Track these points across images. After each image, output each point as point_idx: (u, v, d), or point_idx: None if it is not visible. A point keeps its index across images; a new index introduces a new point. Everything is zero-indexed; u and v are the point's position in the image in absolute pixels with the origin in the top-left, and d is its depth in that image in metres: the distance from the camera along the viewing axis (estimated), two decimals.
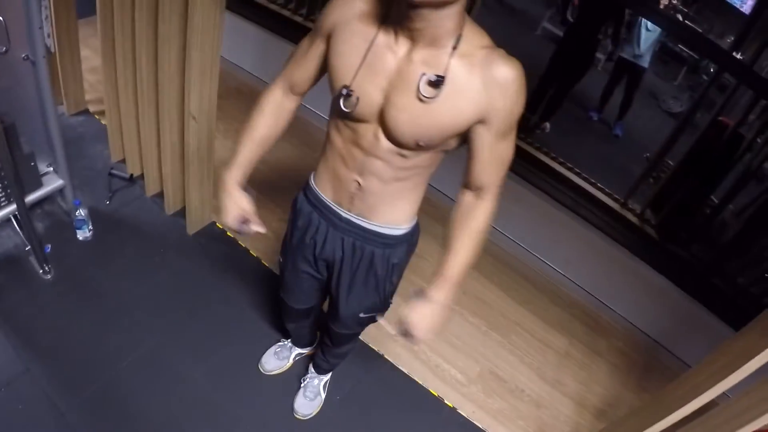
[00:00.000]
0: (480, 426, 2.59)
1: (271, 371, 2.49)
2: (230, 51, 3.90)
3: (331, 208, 1.57)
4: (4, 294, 2.47)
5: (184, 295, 2.69)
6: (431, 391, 2.65)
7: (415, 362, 2.74)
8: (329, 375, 2.45)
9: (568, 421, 2.77)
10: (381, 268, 1.63)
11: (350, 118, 1.35)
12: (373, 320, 1.84)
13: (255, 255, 2.99)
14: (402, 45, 1.24)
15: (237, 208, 1.58)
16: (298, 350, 2.53)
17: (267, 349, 2.54)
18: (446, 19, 1.16)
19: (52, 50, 2.95)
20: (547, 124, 4.81)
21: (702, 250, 3.57)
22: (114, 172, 3.06)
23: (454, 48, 1.20)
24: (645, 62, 4.89)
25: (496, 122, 1.26)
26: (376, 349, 2.72)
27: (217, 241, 3.00)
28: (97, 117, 3.43)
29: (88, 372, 2.31)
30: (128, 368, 2.36)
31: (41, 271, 2.56)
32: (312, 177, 1.63)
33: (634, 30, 4.79)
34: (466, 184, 1.44)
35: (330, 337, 2.11)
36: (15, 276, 2.55)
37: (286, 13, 3.93)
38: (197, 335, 2.55)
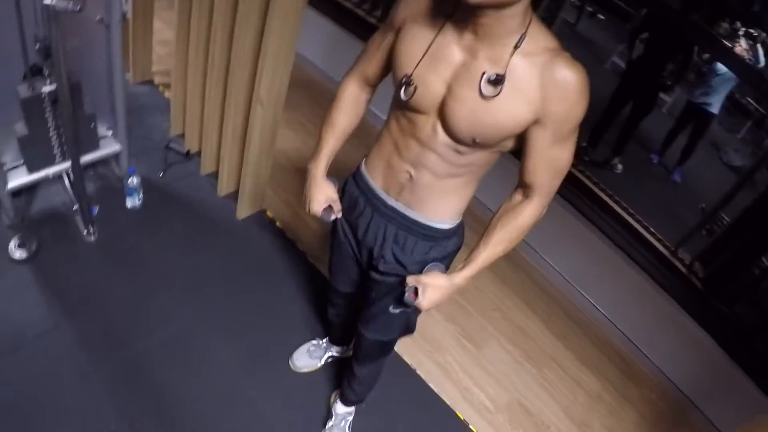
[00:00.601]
0: None
1: (302, 369, 2.44)
2: (302, 43, 3.86)
3: (377, 194, 1.56)
4: (45, 248, 2.46)
5: (224, 277, 2.66)
6: (458, 413, 2.57)
7: (446, 382, 2.67)
8: (352, 416, 2.32)
9: None
10: (422, 259, 1.59)
11: (409, 107, 1.35)
12: (399, 326, 1.85)
13: (301, 249, 2.95)
14: (467, 40, 1.23)
15: (323, 195, 1.66)
16: (331, 351, 2.48)
17: (300, 346, 2.49)
18: (509, 18, 1.15)
19: (128, 16, 2.95)
20: (619, 164, 4.71)
21: (747, 312, 3.46)
22: (171, 145, 3.05)
23: (516, 47, 1.18)
24: (714, 108, 4.76)
25: (552, 125, 1.24)
26: (409, 363, 2.65)
27: (265, 230, 2.96)
28: (161, 89, 3.44)
29: (117, 339, 2.29)
30: (158, 342, 2.33)
31: (85, 232, 2.56)
32: (363, 163, 1.64)
33: (706, 73, 4.67)
34: (519, 182, 1.42)
35: (357, 349, 2.02)
36: (58, 232, 2.55)
37: (360, 12, 3.92)
38: (232, 320, 2.51)
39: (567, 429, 2.76)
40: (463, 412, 2.59)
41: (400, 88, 1.32)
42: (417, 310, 1.66)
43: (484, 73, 1.20)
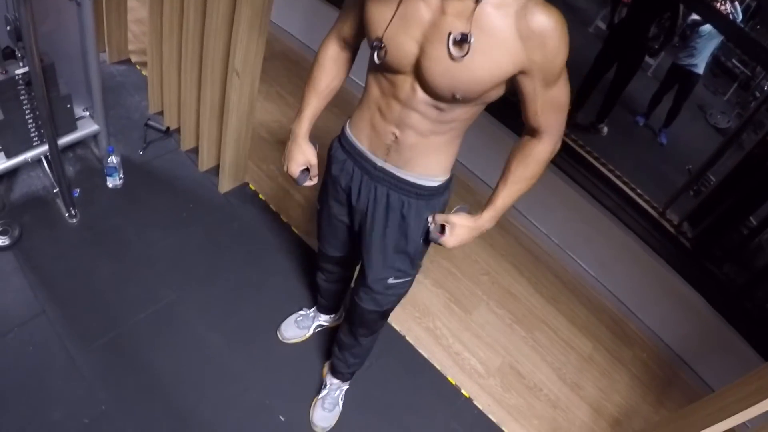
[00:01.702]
0: (494, 420, 2.50)
1: (290, 339, 2.42)
2: (278, 14, 3.81)
3: (366, 156, 1.53)
4: (26, 234, 2.42)
5: (208, 253, 2.62)
6: (449, 378, 2.56)
7: (436, 347, 2.65)
8: (347, 385, 2.31)
9: (582, 426, 2.67)
10: (414, 221, 1.58)
11: (384, 69, 1.33)
12: (398, 296, 1.81)
13: (286, 221, 2.91)
14: None
15: (303, 157, 1.66)
16: (319, 321, 2.46)
17: (288, 317, 2.47)
18: None
19: None
20: (605, 128, 4.69)
21: (735, 271, 3.46)
22: (150, 123, 3.00)
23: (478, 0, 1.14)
24: (699, 69, 4.72)
25: (539, 73, 1.22)
26: (398, 330, 2.63)
27: (249, 203, 2.92)
28: (138, 68, 3.37)
29: (103, 320, 2.26)
30: (144, 321, 2.30)
31: (67, 214, 2.51)
32: (347, 125, 1.60)
33: (689, 34, 4.64)
34: (526, 128, 1.40)
35: (352, 319, 1.98)
36: (40, 217, 2.50)
37: None
38: (218, 295, 2.48)
39: (559, 391, 2.75)
40: (454, 377, 2.57)
41: (373, 51, 1.30)
42: (420, 257, 1.70)
43: (450, 34, 1.17)
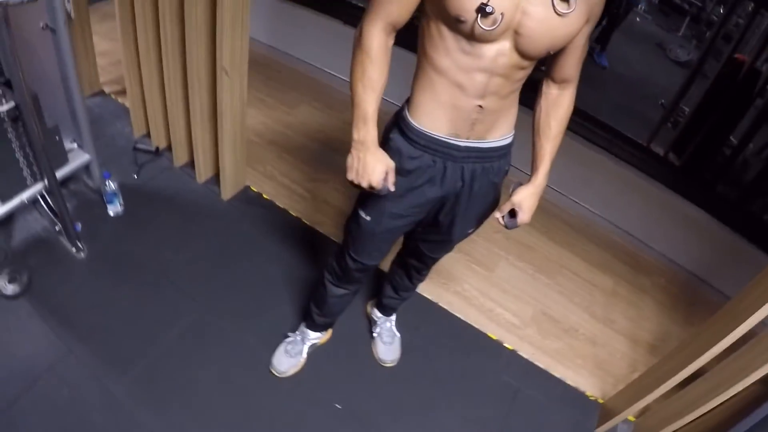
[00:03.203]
0: (541, 366, 2.46)
1: (286, 372, 2.19)
2: None
3: (447, 143, 1.41)
4: (36, 278, 2.27)
5: (226, 259, 2.51)
6: (489, 335, 2.50)
7: (469, 308, 2.59)
8: (395, 315, 2.33)
9: (624, 357, 2.64)
10: (498, 177, 1.56)
11: (480, 38, 1.20)
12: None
13: (295, 215, 2.81)
14: None
15: (381, 165, 1.40)
16: (309, 341, 2.24)
17: (275, 351, 2.24)
18: None
19: (72, 15, 2.75)
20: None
21: (726, 190, 3.47)
22: (139, 146, 2.87)
23: None
24: None
25: (593, 19, 1.27)
26: (430, 298, 2.57)
27: (255, 204, 2.82)
28: (113, 97, 3.24)
29: (134, 347, 2.14)
30: (176, 339, 2.18)
31: (74, 250, 2.38)
32: (408, 115, 1.44)
33: None
34: (553, 78, 1.43)
35: (417, 268, 1.99)
36: (47, 258, 2.36)
37: None
38: (245, 299, 2.38)
39: (594, 328, 2.72)
40: (494, 332, 2.52)
41: (476, 19, 1.16)
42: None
43: None
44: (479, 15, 1.14)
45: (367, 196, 1.57)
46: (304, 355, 2.23)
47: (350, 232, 1.71)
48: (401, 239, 1.89)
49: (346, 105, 3.49)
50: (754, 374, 1.77)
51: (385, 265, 2.17)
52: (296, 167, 3.09)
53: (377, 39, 1.31)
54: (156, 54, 2.52)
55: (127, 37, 2.59)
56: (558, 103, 1.44)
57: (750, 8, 3.49)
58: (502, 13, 1.14)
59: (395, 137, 1.47)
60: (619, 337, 2.73)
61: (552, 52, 1.26)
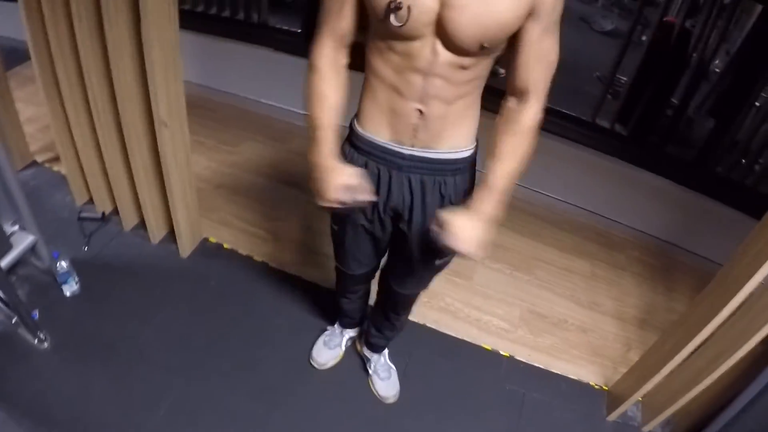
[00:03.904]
0: (541, 366, 2.40)
1: (325, 363, 2.23)
2: None
3: (390, 149, 1.33)
4: (2, 378, 2.07)
5: (199, 322, 2.35)
6: (483, 346, 2.42)
7: (457, 323, 2.50)
8: (386, 351, 2.23)
9: (616, 338, 2.62)
10: (454, 199, 1.41)
11: (403, 36, 1.15)
12: (442, 270, 1.63)
13: (259, 260, 2.65)
14: None
15: (339, 176, 1.31)
16: (348, 334, 2.27)
17: (314, 343, 2.27)
18: None
19: None
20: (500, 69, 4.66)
21: (677, 151, 3.48)
22: (84, 215, 2.68)
23: None
24: None
25: (544, 14, 1.14)
26: (416, 321, 2.46)
27: (216, 257, 2.65)
28: (47, 166, 3.01)
29: None
30: (164, 420, 2.01)
31: (36, 341, 2.19)
32: (355, 123, 1.39)
33: None
34: (511, 90, 1.28)
35: (391, 305, 1.90)
36: (9, 355, 2.14)
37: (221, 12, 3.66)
38: (229, 359, 2.22)
39: (582, 315, 2.69)
40: (486, 342, 2.45)
41: (388, 17, 1.12)
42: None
43: None
44: (391, 11, 1.11)
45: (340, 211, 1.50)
46: (343, 347, 2.27)
47: (332, 242, 1.71)
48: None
49: (289, 135, 3.41)
50: (755, 336, 1.75)
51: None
52: (251, 208, 2.93)
53: (325, 55, 1.30)
54: (86, 115, 2.35)
55: (52, 100, 2.40)
56: (512, 119, 1.27)
57: None
58: (408, 7, 1.09)
59: (345, 146, 1.43)
60: (607, 318, 2.70)
61: (488, 45, 1.14)
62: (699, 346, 1.96)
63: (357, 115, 1.39)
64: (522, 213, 3.24)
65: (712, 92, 4.34)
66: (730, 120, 3.15)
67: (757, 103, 3.14)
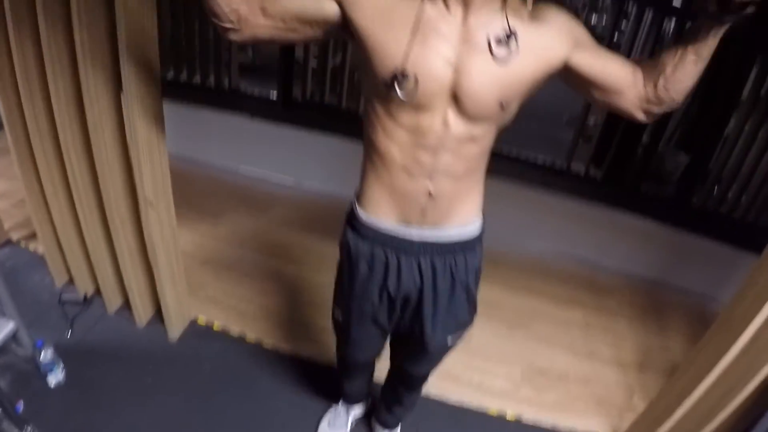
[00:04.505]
0: (548, 425, 2.32)
1: None
2: None
3: (398, 234, 1.26)
4: None
5: (195, 408, 2.20)
6: (489, 412, 2.33)
7: (460, 388, 2.41)
8: (399, 428, 2.11)
9: (618, 384, 2.57)
10: (466, 275, 1.34)
11: (411, 108, 1.09)
12: (455, 342, 1.53)
13: (253, 339, 2.52)
14: (455, 12, 1.05)
15: None
16: (353, 411, 2.15)
17: (318, 425, 2.14)
18: None
19: None
20: None
21: (653, 188, 3.51)
22: (65, 297, 2.55)
23: (504, 2, 1.06)
24: None
25: (582, 40, 1.13)
26: None
27: (207, 338, 2.50)
28: (23, 245, 2.87)
29: None
30: None
31: None
32: (357, 207, 1.30)
33: None
34: (644, 79, 1.18)
35: (403, 385, 1.78)
36: None
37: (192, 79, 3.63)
38: None
39: (582, 365, 2.64)
40: (492, 405, 2.35)
41: (391, 89, 1.06)
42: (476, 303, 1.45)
43: (488, 36, 1.05)
44: (395, 81, 1.05)
45: (336, 296, 1.46)
46: (349, 427, 2.13)
47: (334, 328, 1.61)
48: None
49: (270, 204, 3.34)
50: (762, 371, 1.73)
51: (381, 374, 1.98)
52: (239, 283, 2.81)
53: None
54: (65, 191, 2.24)
55: (27, 174, 2.28)
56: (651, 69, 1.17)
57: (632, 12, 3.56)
58: (416, 76, 1.04)
59: (347, 233, 1.35)
60: (607, 366, 2.66)
61: (506, 103, 1.10)
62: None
63: (359, 198, 1.31)
64: (511, 269, 3.20)
65: (680, 126, 4.43)
66: (701, 152, 3.21)
67: (725, 133, 3.18)
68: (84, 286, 2.56)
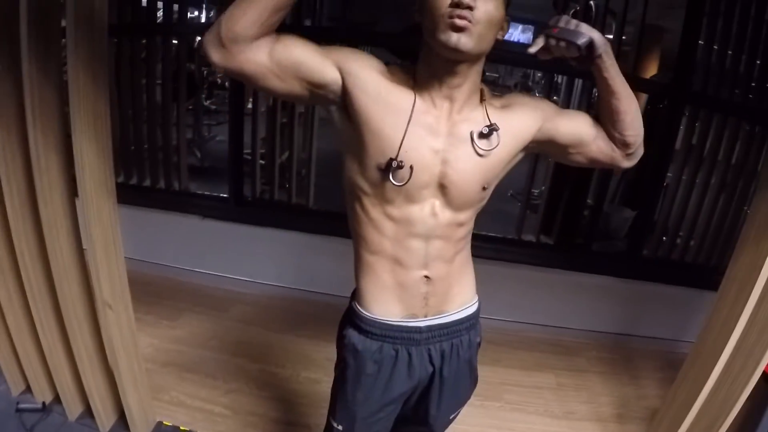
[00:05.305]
0: None
1: None
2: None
3: (405, 326, 1.22)
4: None
5: None
6: None
7: None
8: None
9: None
10: (469, 352, 1.34)
11: (401, 199, 1.13)
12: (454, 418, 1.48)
13: None
14: (441, 107, 1.12)
15: None
16: None
17: None
18: (476, 73, 1.11)
19: None
20: None
21: (604, 245, 3.59)
22: (22, 406, 2.38)
23: (483, 99, 1.16)
24: None
25: (549, 113, 1.21)
26: None
27: None
28: None
29: None
30: None
31: None
32: (357, 306, 1.25)
33: None
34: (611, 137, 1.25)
35: None
36: None
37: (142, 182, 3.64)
38: None
39: (561, 428, 2.59)
40: None
41: (386, 176, 1.09)
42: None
43: (471, 132, 1.12)
44: (390, 169, 1.07)
45: (336, 404, 1.34)
46: None
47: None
48: None
49: (228, 302, 3.31)
50: (741, 398, 1.78)
51: None
52: (203, 384, 2.68)
53: None
54: (19, 296, 2.15)
55: None
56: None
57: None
58: (411, 166, 1.08)
59: (349, 333, 1.27)
60: (586, 423, 2.62)
61: (488, 186, 1.16)
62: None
63: (358, 297, 1.25)
64: None
65: (621, 183, 4.61)
66: (644, 206, 3.33)
67: (665, 183, 3.34)
68: (42, 394, 2.41)
